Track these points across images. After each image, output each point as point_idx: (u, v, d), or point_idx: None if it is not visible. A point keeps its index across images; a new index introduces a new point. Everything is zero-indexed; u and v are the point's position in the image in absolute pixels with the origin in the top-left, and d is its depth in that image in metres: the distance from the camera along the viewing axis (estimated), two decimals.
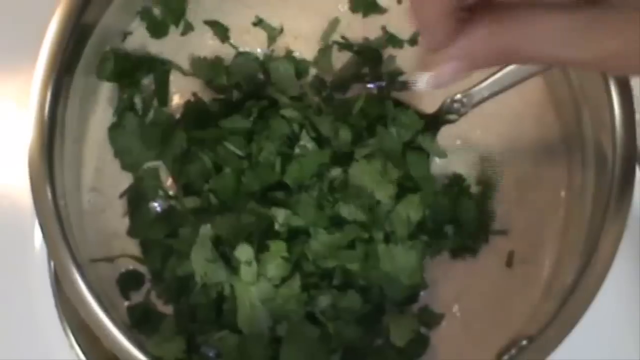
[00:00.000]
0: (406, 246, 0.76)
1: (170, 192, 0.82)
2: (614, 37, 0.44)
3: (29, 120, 0.72)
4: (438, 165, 0.82)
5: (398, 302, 0.78)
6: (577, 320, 0.68)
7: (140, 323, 0.79)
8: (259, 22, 0.84)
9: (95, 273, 0.77)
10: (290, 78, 0.83)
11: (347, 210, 0.76)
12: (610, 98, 0.72)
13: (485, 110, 0.77)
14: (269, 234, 0.75)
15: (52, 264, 0.85)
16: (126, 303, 0.80)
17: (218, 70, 0.83)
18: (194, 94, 0.82)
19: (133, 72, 0.82)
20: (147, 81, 0.83)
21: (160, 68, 0.83)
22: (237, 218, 0.76)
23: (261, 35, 0.84)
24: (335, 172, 0.77)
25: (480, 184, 0.82)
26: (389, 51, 0.84)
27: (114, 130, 0.82)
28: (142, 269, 0.81)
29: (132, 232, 0.82)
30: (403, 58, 0.84)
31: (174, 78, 0.84)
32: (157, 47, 0.84)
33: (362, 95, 0.80)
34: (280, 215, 0.75)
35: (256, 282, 0.73)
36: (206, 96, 0.83)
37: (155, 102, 0.83)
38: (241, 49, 0.84)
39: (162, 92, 0.83)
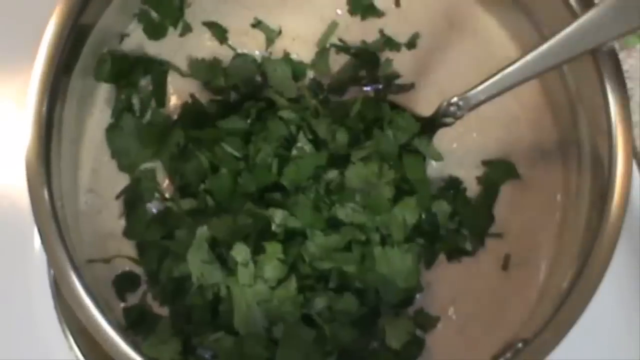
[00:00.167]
0: (402, 249, 0.76)
1: (167, 194, 0.82)
2: None
3: (26, 121, 0.72)
4: (434, 168, 0.82)
5: (394, 304, 0.78)
6: (573, 324, 0.68)
7: (136, 324, 0.79)
8: (257, 24, 0.84)
9: (91, 274, 0.77)
10: (288, 80, 0.83)
11: (343, 213, 0.76)
12: (606, 101, 0.72)
13: (481, 114, 0.78)
14: (265, 236, 0.75)
15: None
16: (122, 304, 0.80)
17: (216, 71, 0.83)
18: (192, 95, 0.82)
19: (130, 73, 0.82)
20: (145, 82, 0.83)
21: (158, 69, 0.83)
22: (234, 219, 0.76)
23: (259, 37, 0.85)
24: (332, 174, 0.77)
25: (481, 188, 0.82)
26: (386, 54, 0.84)
27: (111, 131, 0.82)
28: (138, 270, 0.81)
29: (128, 233, 0.82)
30: (400, 61, 0.84)
31: (172, 79, 0.84)
32: (155, 49, 0.84)
33: (359, 98, 0.80)
34: (278, 216, 0.75)
35: (253, 283, 0.73)
36: (204, 98, 0.83)
37: (152, 103, 0.83)
38: (239, 51, 0.84)
39: (160, 93, 0.83)
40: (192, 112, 0.83)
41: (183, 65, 0.84)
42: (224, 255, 0.76)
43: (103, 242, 0.81)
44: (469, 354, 0.78)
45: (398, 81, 0.84)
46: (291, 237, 0.76)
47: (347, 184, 0.77)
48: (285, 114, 0.79)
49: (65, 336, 0.84)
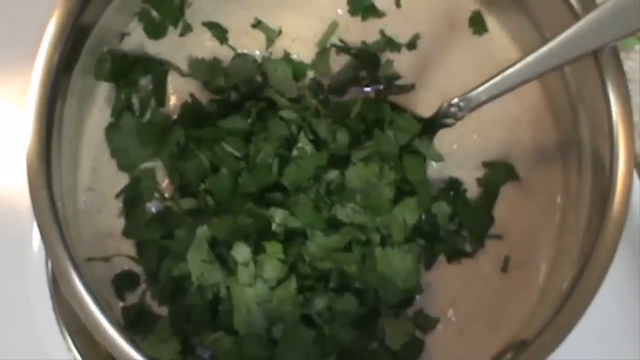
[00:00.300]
0: (402, 250, 0.76)
1: (167, 194, 0.82)
2: None
3: (27, 121, 0.72)
4: (435, 169, 0.82)
5: (393, 305, 0.78)
6: (574, 325, 0.68)
7: (135, 324, 0.79)
8: (257, 24, 0.84)
9: (90, 273, 0.77)
10: (288, 80, 0.83)
11: (343, 213, 0.76)
12: (608, 102, 0.72)
13: (482, 115, 0.78)
14: (265, 236, 0.75)
15: (49, 266, 0.85)
16: (121, 304, 0.80)
17: (216, 71, 0.83)
18: (192, 95, 0.82)
19: (130, 72, 0.82)
20: (145, 81, 0.83)
21: (158, 69, 0.83)
22: (234, 219, 0.76)
23: (260, 37, 0.84)
24: (333, 174, 0.77)
25: (481, 189, 0.82)
26: (386, 55, 0.84)
27: (111, 130, 0.82)
28: (138, 269, 0.81)
29: (127, 232, 0.81)
30: (400, 62, 0.84)
31: (172, 79, 0.84)
32: (155, 48, 0.84)
33: (359, 99, 0.80)
34: (278, 216, 0.75)
35: (253, 283, 0.73)
36: (203, 97, 0.83)
37: (152, 103, 0.83)
38: (239, 51, 0.84)
39: (160, 93, 0.83)
40: (192, 112, 0.82)
41: (183, 65, 0.84)
42: (224, 255, 0.75)
43: (102, 241, 0.81)
44: (469, 355, 0.78)
45: (398, 82, 0.84)
46: (291, 237, 0.76)
47: (347, 184, 0.77)
48: (286, 113, 0.79)
49: (64, 336, 0.84)
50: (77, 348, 0.84)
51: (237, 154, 0.78)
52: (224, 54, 0.84)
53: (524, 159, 0.82)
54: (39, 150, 0.71)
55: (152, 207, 0.82)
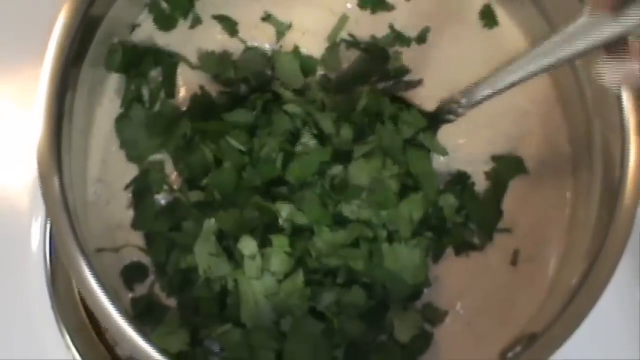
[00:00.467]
0: (410, 245, 0.76)
1: (175, 186, 0.82)
2: None
3: (37, 112, 0.72)
4: (442, 163, 0.82)
5: (402, 299, 0.78)
6: (583, 319, 0.68)
7: (144, 315, 0.79)
8: (267, 18, 0.84)
9: (100, 264, 0.76)
10: (296, 73, 0.82)
11: (349, 210, 0.76)
12: (619, 96, 0.72)
13: (491, 109, 0.77)
14: (272, 229, 0.75)
15: (48, 265, 0.85)
16: (130, 295, 0.80)
17: (226, 64, 0.83)
18: (201, 88, 0.82)
19: (141, 63, 0.82)
20: (155, 73, 0.83)
21: (168, 61, 0.83)
22: (241, 213, 0.76)
23: (269, 30, 0.84)
24: (337, 169, 0.77)
25: (489, 183, 0.82)
26: (395, 49, 0.84)
27: (121, 122, 0.82)
28: (147, 261, 0.81)
29: (136, 224, 0.81)
30: (409, 56, 0.84)
31: (181, 71, 0.84)
32: (165, 40, 0.84)
33: (365, 92, 0.80)
34: (285, 211, 0.75)
35: (260, 276, 0.74)
36: (213, 90, 0.83)
37: (162, 95, 0.83)
38: (249, 44, 0.84)
39: (170, 85, 0.83)
40: (201, 104, 0.82)
41: (193, 57, 0.84)
42: (231, 248, 0.75)
43: (112, 233, 0.81)
44: (478, 348, 0.78)
45: (406, 78, 0.84)
46: (298, 232, 0.76)
47: (350, 180, 0.76)
48: (291, 107, 0.78)
49: (63, 336, 0.85)
50: (76, 347, 0.84)
51: (241, 148, 0.78)
52: (234, 47, 0.84)
53: (534, 152, 0.82)
54: (50, 142, 0.71)
55: (162, 199, 0.82)
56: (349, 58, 0.84)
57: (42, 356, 0.85)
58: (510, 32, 0.84)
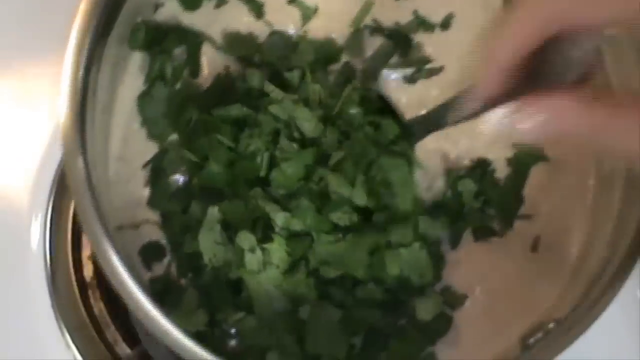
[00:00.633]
0: (413, 249, 0.76)
1: None
2: None
3: (62, 89, 0.71)
4: (463, 150, 0.82)
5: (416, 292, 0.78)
6: (606, 306, 0.69)
7: (162, 295, 0.78)
8: (293, 0, 0.84)
9: (120, 243, 0.76)
10: (319, 61, 0.82)
11: (336, 216, 0.75)
12: None
13: None
14: (273, 227, 0.75)
15: (48, 264, 0.86)
16: (149, 274, 0.80)
17: (251, 47, 0.82)
18: (226, 68, 0.82)
19: (164, 41, 0.82)
20: (179, 51, 0.83)
21: (193, 39, 0.83)
22: (245, 205, 0.76)
23: (294, 14, 0.84)
24: (322, 172, 0.76)
25: (510, 169, 0.82)
26: (418, 37, 0.84)
27: (143, 99, 0.82)
28: (164, 242, 0.81)
29: (152, 202, 0.81)
30: (430, 43, 0.84)
31: (205, 50, 0.83)
32: (189, 20, 0.83)
33: (349, 92, 0.80)
34: (280, 219, 0.75)
35: (262, 269, 0.74)
36: (237, 71, 0.82)
37: (185, 73, 0.82)
38: (274, 27, 0.84)
39: (194, 63, 0.83)
40: (222, 85, 0.82)
41: (216, 37, 0.83)
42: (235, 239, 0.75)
43: (132, 211, 0.80)
44: (497, 333, 0.78)
45: (429, 66, 0.83)
46: (296, 236, 0.76)
47: (330, 188, 0.76)
48: (274, 109, 0.78)
49: (62, 335, 0.85)
50: (76, 346, 0.85)
51: (230, 144, 0.78)
52: (258, 29, 0.83)
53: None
54: (74, 119, 0.71)
55: (180, 179, 0.81)
56: (371, 44, 0.84)
57: (42, 355, 0.86)
58: None
